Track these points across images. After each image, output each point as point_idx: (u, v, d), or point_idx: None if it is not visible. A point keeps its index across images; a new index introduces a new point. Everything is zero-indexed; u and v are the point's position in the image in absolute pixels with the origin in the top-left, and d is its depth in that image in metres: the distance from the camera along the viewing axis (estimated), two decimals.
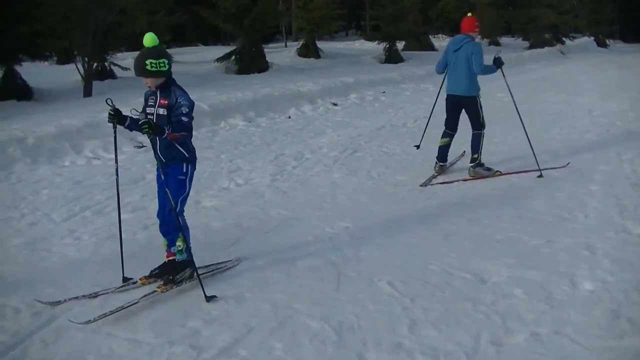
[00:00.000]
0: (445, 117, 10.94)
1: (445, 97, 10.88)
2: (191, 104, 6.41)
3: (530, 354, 5.12)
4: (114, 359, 5.25)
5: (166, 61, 6.42)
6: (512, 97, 11.56)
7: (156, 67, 6.37)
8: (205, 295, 6.17)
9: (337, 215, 8.74)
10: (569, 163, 10.80)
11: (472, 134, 10.81)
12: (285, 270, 6.90)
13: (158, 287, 6.43)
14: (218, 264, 7.10)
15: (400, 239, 7.77)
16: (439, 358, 5.10)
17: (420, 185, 10.13)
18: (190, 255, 6.62)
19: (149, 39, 6.42)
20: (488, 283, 6.45)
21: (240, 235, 8.01)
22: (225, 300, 6.19)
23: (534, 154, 10.72)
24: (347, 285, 6.49)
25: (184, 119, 6.34)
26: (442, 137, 10.93)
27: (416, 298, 6.14)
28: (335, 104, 19.03)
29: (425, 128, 11.92)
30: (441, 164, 10.86)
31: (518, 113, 11.31)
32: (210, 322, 5.77)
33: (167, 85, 6.48)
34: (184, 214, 6.80)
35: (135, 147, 12.97)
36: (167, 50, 32.07)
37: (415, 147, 11.67)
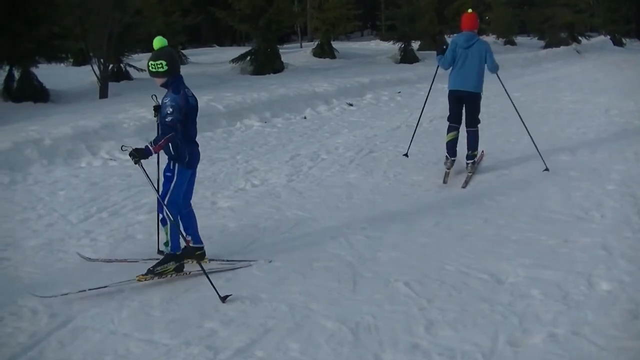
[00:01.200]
0: (450, 112, 10.92)
1: (447, 93, 10.92)
2: (176, 104, 6.59)
3: (548, 354, 5.11)
4: None
5: (164, 62, 6.63)
6: (507, 93, 11.87)
7: (154, 68, 6.68)
8: (219, 295, 6.19)
9: (353, 215, 8.74)
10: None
11: (471, 132, 10.81)
12: (302, 270, 6.91)
13: (137, 276, 6.67)
14: (233, 261, 7.17)
15: (416, 239, 7.77)
16: (456, 359, 5.10)
17: (462, 187, 10.19)
18: (177, 249, 6.87)
19: (156, 42, 6.71)
20: (505, 283, 6.44)
21: (256, 236, 8.01)
22: (242, 301, 6.20)
23: (537, 149, 10.98)
24: (364, 286, 6.49)
25: (167, 119, 6.59)
26: (449, 132, 10.90)
27: (433, 298, 6.13)
28: (350, 104, 18.99)
29: (413, 135, 11.93)
30: (452, 158, 10.80)
31: (516, 110, 11.40)
32: (227, 323, 5.78)
33: (168, 87, 6.73)
34: (184, 213, 7.13)
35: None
36: (182, 50, 32.24)
37: (404, 156, 11.59)
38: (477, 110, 10.78)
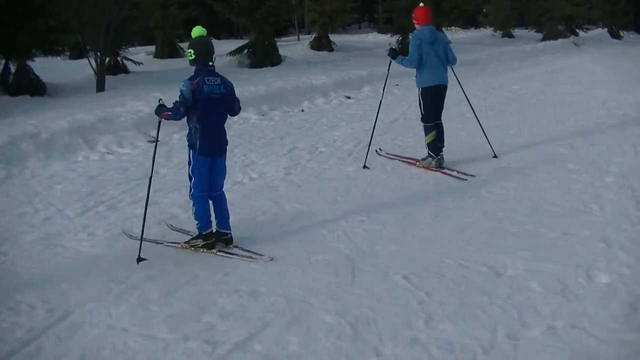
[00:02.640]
0: (431, 110, 10.75)
1: (425, 90, 10.71)
2: (184, 89, 7.04)
3: (547, 347, 5.10)
4: (129, 355, 5.25)
5: (192, 51, 7.22)
6: (461, 88, 11.70)
7: (187, 56, 7.33)
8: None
9: (351, 208, 8.71)
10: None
11: (441, 125, 10.90)
12: (300, 264, 6.89)
13: (181, 243, 7.50)
14: (250, 252, 7.26)
15: (415, 232, 7.75)
16: (455, 352, 5.08)
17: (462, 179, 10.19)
18: (203, 230, 7.36)
19: (193, 31, 7.28)
20: (504, 276, 6.42)
21: (254, 230, 7.99)
22: (240, 295, 6.19)
23: (489, 142, 11.29)
24: (363, 280, 6.47)
25: (174, 101, 7.13)
26: (431, 131, 10.76)
27: (432, 292, 6.12)
28: (348, 97, 18.98)
29: (370, 144, 11.37)
30: (441, 154, 10.79)
31: (471, 106, 11.55)
32: (225, 317, 5.77)
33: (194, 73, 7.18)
34: (197, 197, 7.39)
35: (148, 141, 12.95)
36: (180, 44, 32.19)
37: (364, 167, 10.89)
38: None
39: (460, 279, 6.38)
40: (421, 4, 10.99)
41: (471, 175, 10.18)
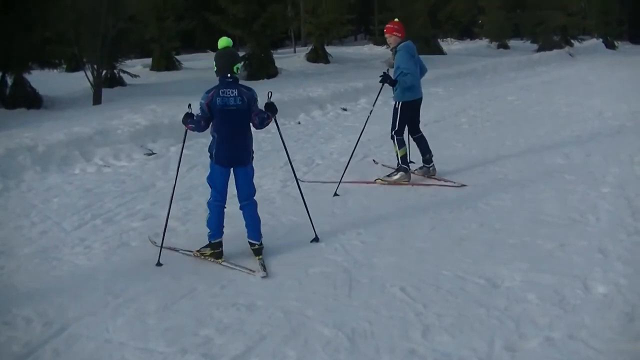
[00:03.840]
0: (405, 123, 10.70)
1: (406, 105, 10.59)
2: (202, 103, 7.23)
3: (545, 358, 5.11)
4: None
5: (214, 63, 7.31)
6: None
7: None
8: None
9: (348, 221, 8.71)
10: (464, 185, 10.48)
11: (423, 137, 10.89)
12: (297, 277, 6.89)
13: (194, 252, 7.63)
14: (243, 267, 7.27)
15: (412, 244, 7.75)
16: None
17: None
18: (212, 239, 7.51)
19: (219, 42, 7.32)
20: (501, 288, 6.42)
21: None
22: (238, 308, 6.18)
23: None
24: (360, 292, 6.47)
25: (198, 113, 7.38)
26: (403, 145, 10.69)
27: (429, 304, 6.11)
28: (345, 109, 18.99)
29: (347, 165, 10.90)
30: (419, 166, 10.85)
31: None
32: (222, 330, 5.76)
33: None
34: (212, 204, 7.55)
35: (145, 154, 12.97)
36: (177, 56, 32.24)
37: (335, 195, 10.22)
38: None
39: (458, 291, 6.38)
40: (396, 19, 10.99)
41: (463, 185, 10.22)
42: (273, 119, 7.59)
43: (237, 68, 7.30)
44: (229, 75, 7.22)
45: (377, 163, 11.69)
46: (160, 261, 7.38)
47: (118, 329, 5.85)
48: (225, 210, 7.56)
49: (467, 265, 6.98)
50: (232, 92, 7.18)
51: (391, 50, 10.79)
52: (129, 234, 8.47)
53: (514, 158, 11.93)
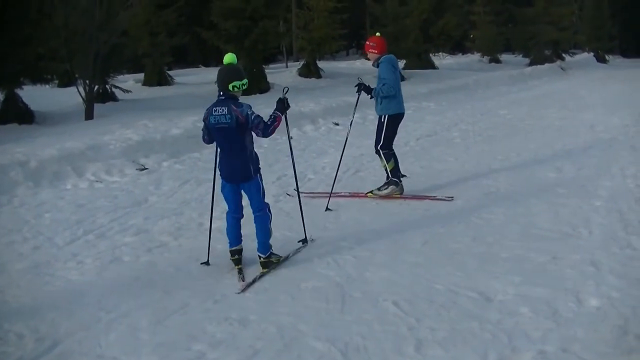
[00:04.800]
0: (391, 138, 10.75)
1: (392, 119, 10.61)
2: (204, 120, 7.47)
3: None
4: None
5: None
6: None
7: None
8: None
9: (341, 235, 8.70)
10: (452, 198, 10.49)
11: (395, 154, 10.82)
12: (290, 291, 6.88)
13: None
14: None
15: (405, 258, 7.74)
16: None
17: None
18: (229, 246, 7.75)
19: (224, 58, 7.41)
20: (494, 301, 6.42)
21: (244, 257, 7.96)
22: (230, 323, 6.17)
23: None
24: (353, 306, 6.46)
25: None
26: (391, 159, 10.66)
27: (422, 318, 6.10)
28: (337, 124, 18.99)
29: (335, 179, 10.93)
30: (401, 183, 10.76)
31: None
32: (215, 345, 5.74)
33: None
34: (228, 216, 7.83)
35: (137, 169, 12.96)
36: (169, 71, 32.32)
37: (327, 210, 10.22)
38: None
39: (451, 305, 6.37)
40: (377, 34, 10.92)
41: (450, 197, 10.26)
42: (283, 119, 7.76)
43: (234, 86, 7.28)
44: (221, 93, 7.29)
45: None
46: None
47: (110, 345, 5.83)
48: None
49: (459, 279, 6.97)
50: (223, 110, 7.23)
51: (373, 65, 10.76)
52: (121, 249, 8.45)
53: (506, 172, 11.95)
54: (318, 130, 18.17)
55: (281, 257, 7.78)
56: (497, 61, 51.02)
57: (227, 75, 7.27)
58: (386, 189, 10.66)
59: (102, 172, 12.67)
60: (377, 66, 10.52)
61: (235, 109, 7.22)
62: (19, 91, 20.26)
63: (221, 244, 7.84)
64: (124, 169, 12.93)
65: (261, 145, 15.53)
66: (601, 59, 56.45)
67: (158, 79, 32.17)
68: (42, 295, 7.07)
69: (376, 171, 12.38)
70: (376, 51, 10.60)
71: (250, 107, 7.38)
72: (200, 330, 6.05)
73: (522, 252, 7.73)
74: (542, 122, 18.42)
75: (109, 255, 8.26)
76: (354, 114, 11.24)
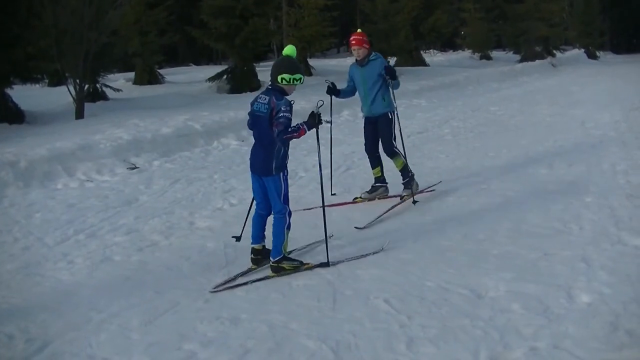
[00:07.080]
0: (372, 140, 10.86)
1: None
2: None
3: None
4: None
5: None
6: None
7: None
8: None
9: (332, 233, 8.68)
10: (440, 182, 10.61)
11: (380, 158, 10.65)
12: (281, 290, 6.87)
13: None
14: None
15: (396, 255, 7.73)
16: None
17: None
18: (252, 243, 7.67)
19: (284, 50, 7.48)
20: (485, 298, 6.41)
21: (235, 256, 7.95)
22: (221, 322, 6.15)
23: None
24: (344, 304, 6.45)
25: None
26: (402, 155, 10.48)
27: (413, 315, 6.10)
28: (328, 122, 18.92)
29: (331, 179, 11.16)
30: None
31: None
32: (206, 345, 5.72)
33: None
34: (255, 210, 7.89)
35: (128, 169, 12.93)
36: (159, 70, 32.28)
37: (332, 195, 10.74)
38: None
39: (442, 302, 6.37)
40: (359, 30, 10.70)
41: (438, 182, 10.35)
42: (303, 135, 7.56)
43: (283, 79, 7.28)
44: (270, 83, 7.40)
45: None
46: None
47: (101, 345, 5.81)
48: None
49: (450, 276, 6.97)
50: (264, 99, 7.29)
51: (363, 62, 10.51)
52: (112, 249, 8.43)
53: (497, 168, 11.96)
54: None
55: (298, 265, 7.44)
56: (488, 58, 51.13)
57: (278, 67, 7.32)
58: (411, 186, 10.30)
59: (93, 171, 12.64)
60: (367, 63, 10.37)
61: (274, 100, 7.22)
62: (9, 91, 20.16)
63: (212, 243, 7.81)
64: (115, 169, 12.90)
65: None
66: (592, 55, 56.65)
67: (148, 78, 32.13)
68: (32, 295, 7.04)
69: (367, 169, 12.34)
70: (368, 46, 10.39)
71: (288, 104, 7.32)
72: (191, 329, 6.03)
73: (513, 249, 7.72)
74: (533, 118, 18.45)
75: (100, 254, 8.24)
76: (331, 115, 10.97)
